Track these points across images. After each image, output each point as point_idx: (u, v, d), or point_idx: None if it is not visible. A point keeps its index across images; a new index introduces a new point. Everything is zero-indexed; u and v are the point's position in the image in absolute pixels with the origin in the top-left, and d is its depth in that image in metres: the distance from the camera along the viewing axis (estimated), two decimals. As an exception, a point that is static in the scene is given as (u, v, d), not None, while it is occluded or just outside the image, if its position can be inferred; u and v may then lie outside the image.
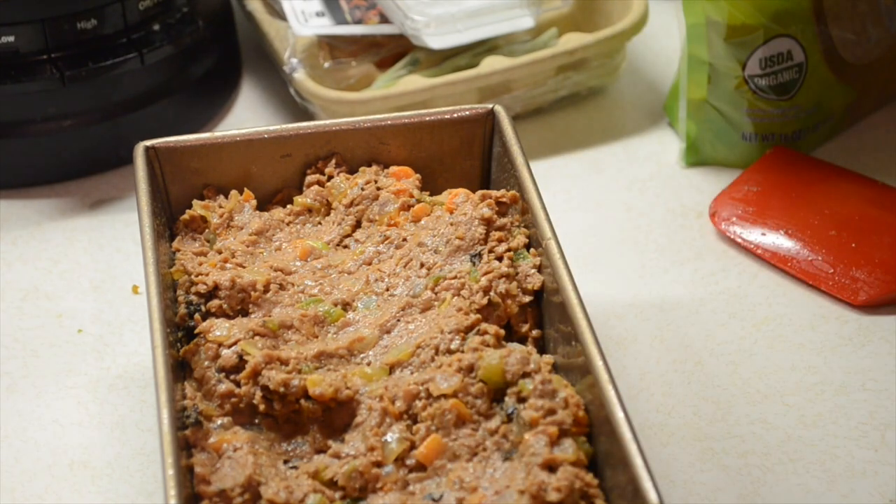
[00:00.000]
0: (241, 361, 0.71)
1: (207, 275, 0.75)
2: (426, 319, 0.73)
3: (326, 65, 0.96)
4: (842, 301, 0.84)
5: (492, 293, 0.74)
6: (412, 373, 0.71)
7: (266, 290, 0.75)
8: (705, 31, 0.90)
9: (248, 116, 1.00)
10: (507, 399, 0.69)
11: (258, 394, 0.70)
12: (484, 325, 0.72)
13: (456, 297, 0.74)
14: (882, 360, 0.81)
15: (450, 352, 0.71)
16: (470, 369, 0.70)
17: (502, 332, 0.73)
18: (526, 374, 0.69)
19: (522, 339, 0.74)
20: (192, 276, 0.75)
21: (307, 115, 0.95)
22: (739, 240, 0.88)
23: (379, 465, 0.68)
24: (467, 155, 0.82)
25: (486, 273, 0.74)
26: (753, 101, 0.92)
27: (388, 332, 0.73)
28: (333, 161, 0.82)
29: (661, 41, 1.04)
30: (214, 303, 0.74)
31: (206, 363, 0.71)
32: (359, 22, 0.97)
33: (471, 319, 0.72)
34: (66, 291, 0.87)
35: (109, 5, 0.91)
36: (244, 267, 0.77)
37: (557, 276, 0.72)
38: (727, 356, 0.82)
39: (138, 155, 0.79)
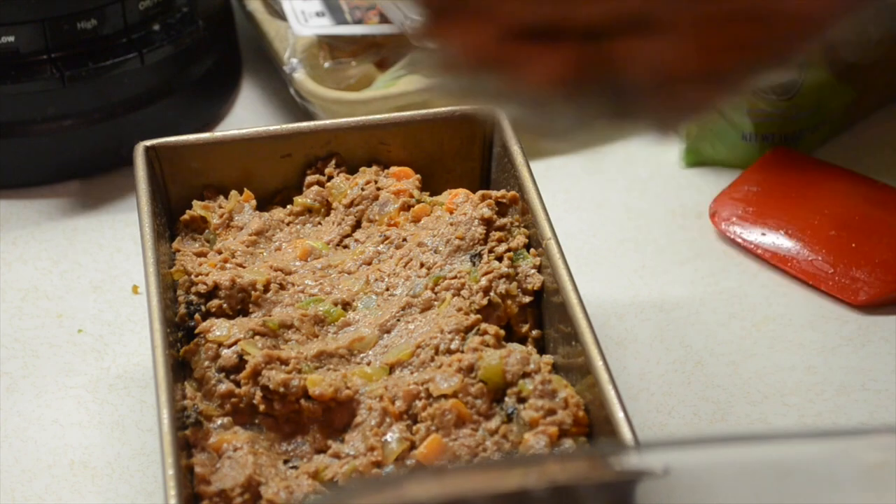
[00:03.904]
0: (241, 361, 0.71)
1: (207, 275, 0.75)
2: (426, 319, 0.73)
3: (326, 65, 0.96)
4: (842, 301, 0.84)
5: (492, 293, 0.74)
6: (412, 373, 0.71)
7: (266, 289, 0.75)
8: (705, 31, 0.90)
9: (248, 116, 1.00)
10: (507, 399, 0.69)
11: (258, 394, 0.70)
12: (484, 326, 0.72)
13: (456, 297, 0.74)
14: (882, 360, 0.81)
15: (450, 352, 0.71)
16: (470, 369, 0.70)
17: (502, 332, 0.73)
18: (526, 374, 0.69)
19: (522, 339, 0.74)
20: (192, 276, 0.75)
21: (307, 115, 0.95)
22: (739, 240, 0.88)
23: (379, 465, 0.68)
24: (467, 155, 0.82)
25: (486, 273, 0.74)
26: (753, 101, 0.91)
27: (388, 331, 0.73)
28: (333, 161, 0.82)
29: (661, 41, 1.04)
30: (214, 303, 0.74)
31: (206, 363, 0.71)
32: (359, 22, 0.97)
33: (471, 319, 0.72)
34: (66, 291, 0.87)
35: (109, 5, 0.91)
36: (244, 267, 0.77)
37: (557, 276, 0.72)
38: (727, 356, 0.82)
39: (138, 155, 0.79)
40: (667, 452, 0.51)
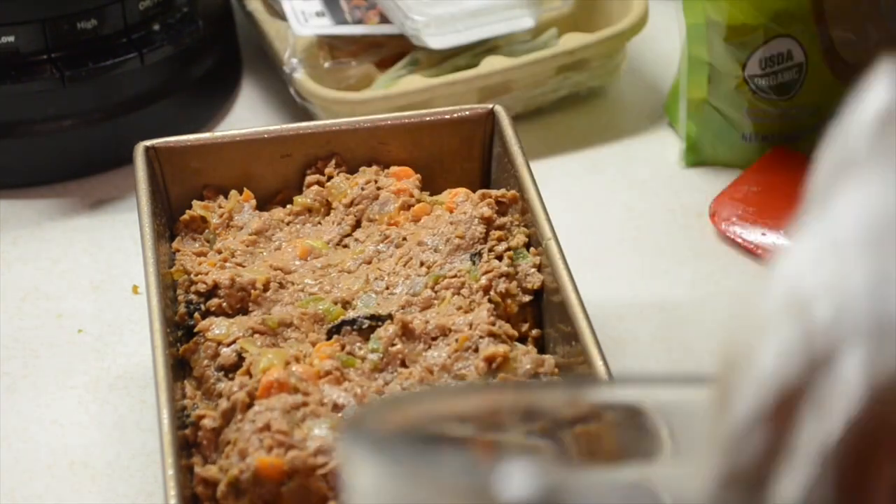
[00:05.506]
0: (241, 360, 0.71)
1: (207, 274, 0.75)
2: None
3: (326, 65, 0.96)
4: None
5: (492, 292, 0.74)
6: (412, 372, 0.71)
7: (266, 288, 0.75)
8: (705, 32, 0.90)
9: (248, 116, 1.00)
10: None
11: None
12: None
13: (456, 296, 0.74)
14: (882, 360, 0.81)
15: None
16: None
17: (515, 332, 0.73)
18: (535, 375, 0.69)
19: (522, 339, 0.74)
20: (192, 276, 0.75)
21: (307, 115, 0.95)
22: (739, 240, 0.88)
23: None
24: (467, 155, 0.82)
25: (486, 272, 0.74)
26: (753, 101, 0.91)
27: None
28: (333, 161, 0.82)
29: (661, 42, 1.04)
30: (214, 301, 0.74)
31: (206, 362, 0.71)
32: (359, 22, 0.97)
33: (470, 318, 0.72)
34: (66, 291, 0.87)
35: (109, 5, 0.91)
36: (244, 266, 0.77)
37: (557, 275, 0.72)
38: (727, 356, 0.81)
39: (138, 155, 0.79)
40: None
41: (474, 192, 0.79)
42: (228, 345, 0.71)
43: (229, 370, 0.71)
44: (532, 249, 0.76)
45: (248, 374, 0.69)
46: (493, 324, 0.72)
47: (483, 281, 0.74)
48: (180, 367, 0.72)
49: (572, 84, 0.97)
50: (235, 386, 0.69)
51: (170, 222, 0.80)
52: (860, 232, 0.43)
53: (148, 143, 0.80)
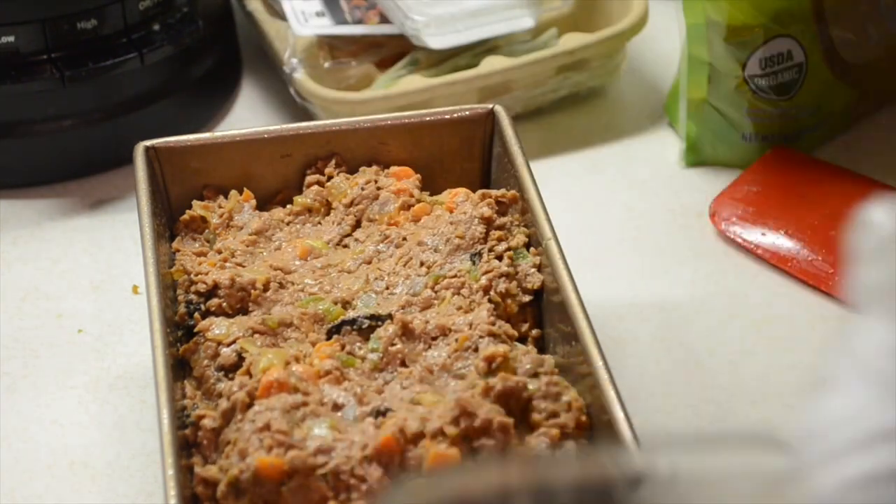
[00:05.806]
0: (241, 360, 0.71)
1: (207, 274, 0.75)
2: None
3: (326, 65, 0.96)
4: (842, 301, 0.84)
5: (491, 292, 0.74)
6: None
7: (266, 288, 0.75)
8: (705, 32, 0.90)
9: (248, 116, 1.00)
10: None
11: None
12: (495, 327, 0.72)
13: (456, 296, 0.74)
14: (882, 360, 0.81)
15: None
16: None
17: (514, 332, 0.73)
18: (535, 375, 0.69)
19: (522, 339, 0.74)
20: (192, 276, 0.75)
21: (307, 115, 0.95)
22: (739, 240, 0.88)
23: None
24: (467, 155, 0.82)
25: (486, 272, 0.74)
26: (753, 101, 0.91)
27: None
28: (333, 161, 0.82)
29: (661, 42, 1.04)
30: (214, 301, 0.74)
31: (206, 362, 0.71)
32: (359, 22, 0.97)
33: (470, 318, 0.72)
34: (66, 291, 0.87)
35: (109, 5, 0.91)
36: (244, 266, 0.77)
37: (557, 275, 0.72)
38: (727, 356, 0.82)
39: (138, 155, 0.79)
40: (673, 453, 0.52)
41: (474, 192, 0.79)
42: (228, 345, 0.71)
43: (229, 370, 0.71)
44: (532, 249, 0.76)
45: (248, 374, 0.69)
46: (493, 324, 0.72)
47: (483, 281, 0.74)
48: (180, 367, 0.72)
49: (572, 84, 0.97)
50: (235, 386, 0.69)
51: (170, 222, 0.80)
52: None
53: (148, 143, 0.80)
